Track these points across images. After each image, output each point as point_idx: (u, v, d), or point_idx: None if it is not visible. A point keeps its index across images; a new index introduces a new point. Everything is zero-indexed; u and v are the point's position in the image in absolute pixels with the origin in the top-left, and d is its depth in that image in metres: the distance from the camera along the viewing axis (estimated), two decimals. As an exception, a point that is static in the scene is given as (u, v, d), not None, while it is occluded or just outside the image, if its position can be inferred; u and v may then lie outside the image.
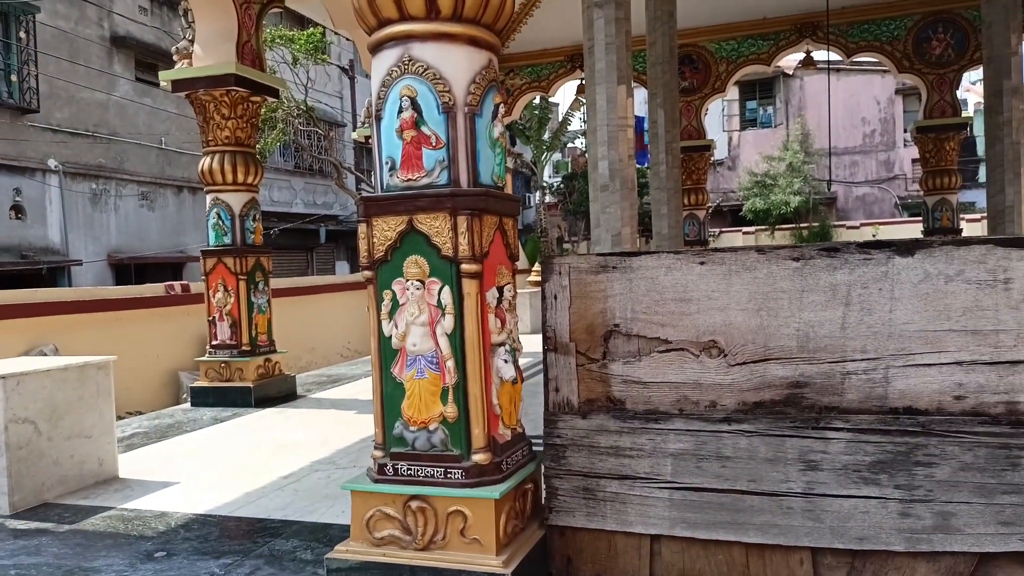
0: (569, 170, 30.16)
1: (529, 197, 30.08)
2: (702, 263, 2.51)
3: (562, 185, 28.26)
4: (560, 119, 26.42)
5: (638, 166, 12.46)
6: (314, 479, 3.85)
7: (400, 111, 2.45)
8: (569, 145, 29.43)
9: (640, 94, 11.21)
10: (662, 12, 7.21)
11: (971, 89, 22.92)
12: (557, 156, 30.78)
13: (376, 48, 2.51)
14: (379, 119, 2.50)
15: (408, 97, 2.45)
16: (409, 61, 2.44)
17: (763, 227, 21.80)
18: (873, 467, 2.25)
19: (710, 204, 16.06)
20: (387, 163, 2.49)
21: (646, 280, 2.57)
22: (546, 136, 24.81)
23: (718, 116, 24.50)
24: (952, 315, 2.23)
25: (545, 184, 27.62)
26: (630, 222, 5.64)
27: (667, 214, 7.48)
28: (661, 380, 2.54)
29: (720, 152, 24.33)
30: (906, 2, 8.97)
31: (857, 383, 2.30)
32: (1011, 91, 6.79)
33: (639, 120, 11.17)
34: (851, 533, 2.24)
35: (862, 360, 2.30)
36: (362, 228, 2.49)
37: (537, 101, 22.57)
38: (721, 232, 22.29)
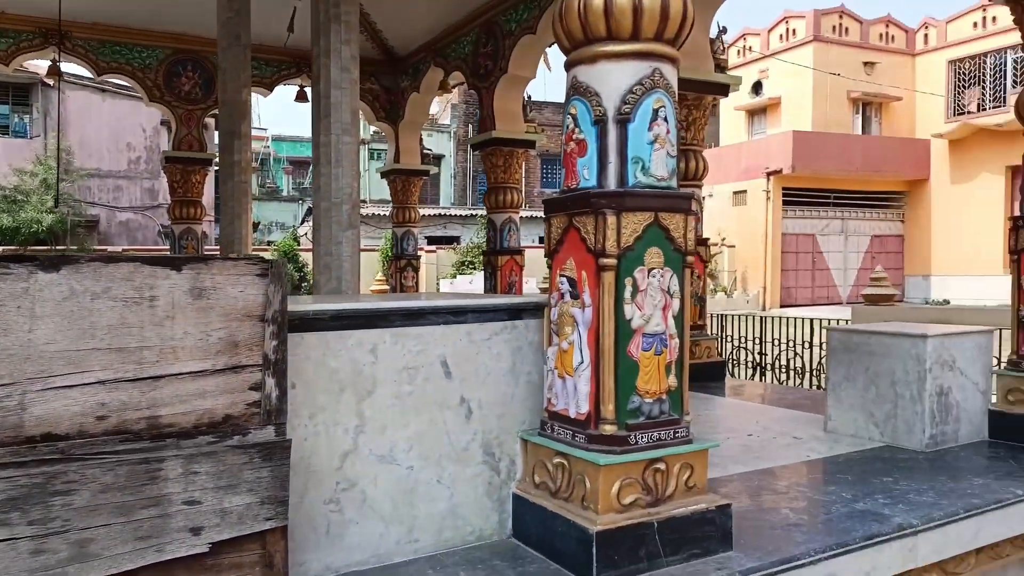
0: None
1: None
2: None
3: None
4: None
5: None
6: None
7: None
8: None
9: None
10: None
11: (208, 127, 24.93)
12: None
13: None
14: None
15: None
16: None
17: (12, 247, 19.33)
18: (4, 506, 2.01)
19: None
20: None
21: None
22: None
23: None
24: (98, 333, 2.17)
25: None
26: None
27: None
28: None
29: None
30: (153, 34, 9.13)
31: (-12, 413, 2.03)
32: (241, 135, 7.51)
33: None
34: (-30, 588, 1.95)
35: (-5, 387, 2.04)
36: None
37: None
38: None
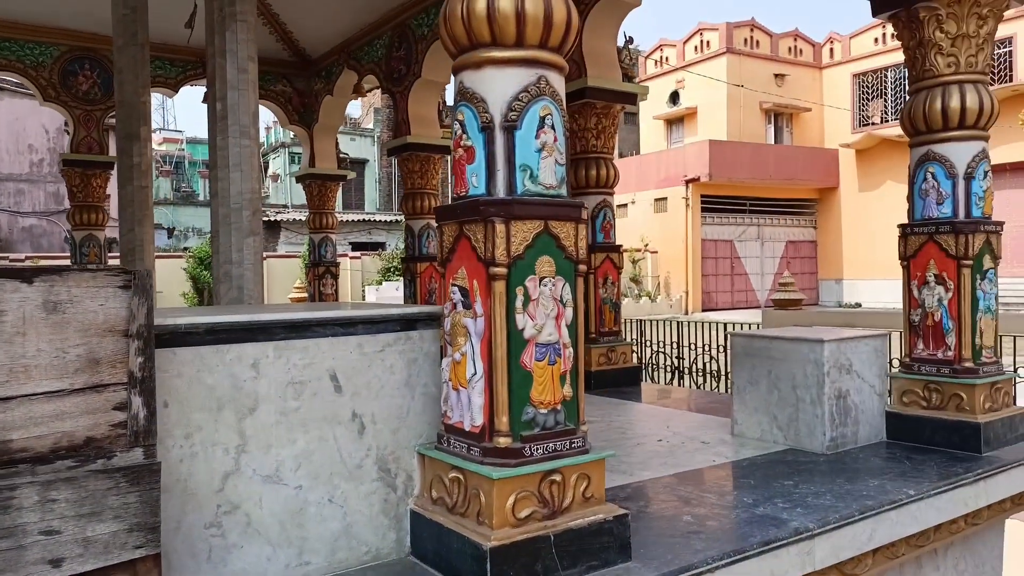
0: None
1: None
2: None
3: None
4: None
5: None
6: None
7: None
8: None
9: None
10: None
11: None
12: None
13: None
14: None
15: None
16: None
17: (-101, 255, 18.09)
18: None
19: None
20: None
21: None
22: None
23: None
24: (-65, 353, 1.98)
25: None
26: None
27: None
28: None
29: None
30: (46, 29, 8.66)
31: None
32: (140, 137, 7.17)
33: None
34: None
35: None
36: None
37: None
38: None
